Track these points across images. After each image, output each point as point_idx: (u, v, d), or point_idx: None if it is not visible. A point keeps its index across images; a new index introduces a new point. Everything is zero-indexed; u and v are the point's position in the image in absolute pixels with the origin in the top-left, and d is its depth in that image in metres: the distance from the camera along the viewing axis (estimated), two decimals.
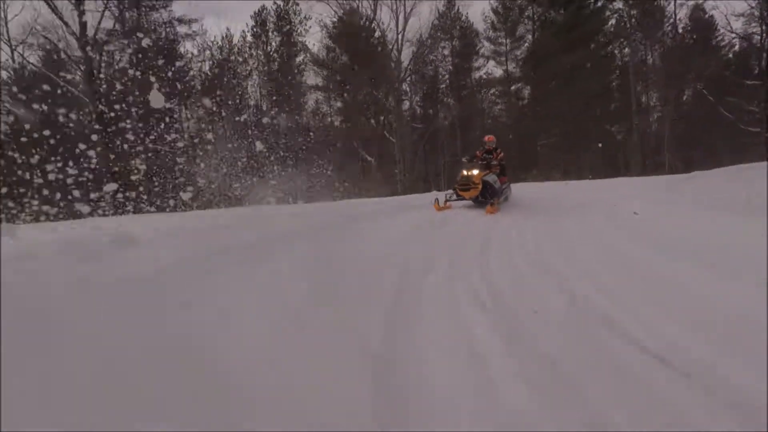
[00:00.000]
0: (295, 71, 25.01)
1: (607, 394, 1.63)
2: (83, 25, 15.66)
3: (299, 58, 25.79)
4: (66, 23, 15.58)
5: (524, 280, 3.23)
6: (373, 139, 23.68)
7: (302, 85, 24.99)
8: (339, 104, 25.79)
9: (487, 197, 8.02)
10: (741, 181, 5.59)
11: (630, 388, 1.67)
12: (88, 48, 15.25)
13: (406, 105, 25.84)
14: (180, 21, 17.91)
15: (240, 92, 23.63)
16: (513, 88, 26.59)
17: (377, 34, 24.24)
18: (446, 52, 26.60)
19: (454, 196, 8.51)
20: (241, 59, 25.65)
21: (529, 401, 1.61)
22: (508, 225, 6.14)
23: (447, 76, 27.08)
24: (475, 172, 8.22)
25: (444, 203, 8.53)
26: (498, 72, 26.84)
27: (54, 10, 15.49)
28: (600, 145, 22.47)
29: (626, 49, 24.72)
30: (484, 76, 27.03)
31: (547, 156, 24.25)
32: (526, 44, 25.44)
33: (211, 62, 24.40)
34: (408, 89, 25.99)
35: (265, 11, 25.80)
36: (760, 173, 5.36)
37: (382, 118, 24.45)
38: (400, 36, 23.11)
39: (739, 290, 2.46)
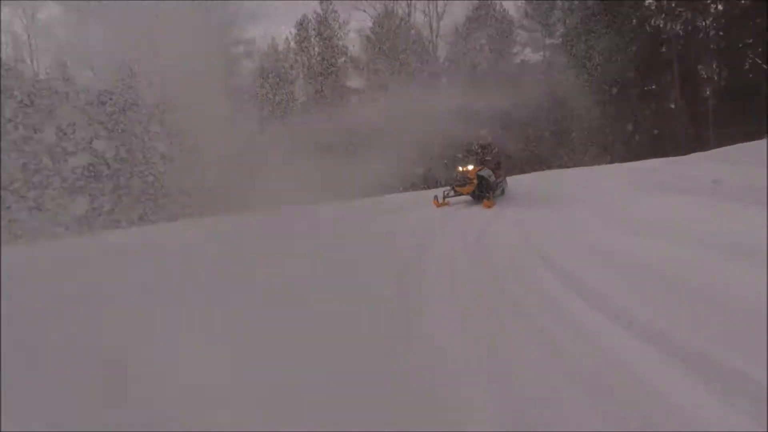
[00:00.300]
0: (337, 74, 26.69)
1: (509, 273, 3.26)
2: None
3: (341, 60, 27.47)
4: None
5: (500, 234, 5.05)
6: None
7: (343, 88, 26.59)
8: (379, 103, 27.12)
9: (483, 192, 8.16)
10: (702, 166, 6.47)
11: (529, 278, 3.20)
12: None
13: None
14: (238, 42, 19.96)
15: (287, 95, 25.65)
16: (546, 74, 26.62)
17: (413, 32, 25.33)
18: (483, 41, 27.11)
19: (452, 193, 8.63)
20: (288, 65, 27.77)
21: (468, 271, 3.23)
22: (499, 212, 7.37)
23: (485, 65, 27.56)
24: (471, 167, 8.30)
25: (442, 200, 8.65)
26: (536, 58, 26.98)
27: None
28: (630, 127, 22.19)
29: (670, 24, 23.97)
30: (520, 63, 27.25)
31: (583, 139, 24.17)
32: (561, 30, 25.39)
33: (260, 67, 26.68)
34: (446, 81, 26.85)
35: (306, 20, 27.74)
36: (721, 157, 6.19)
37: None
38: (434, 34, 24.02)
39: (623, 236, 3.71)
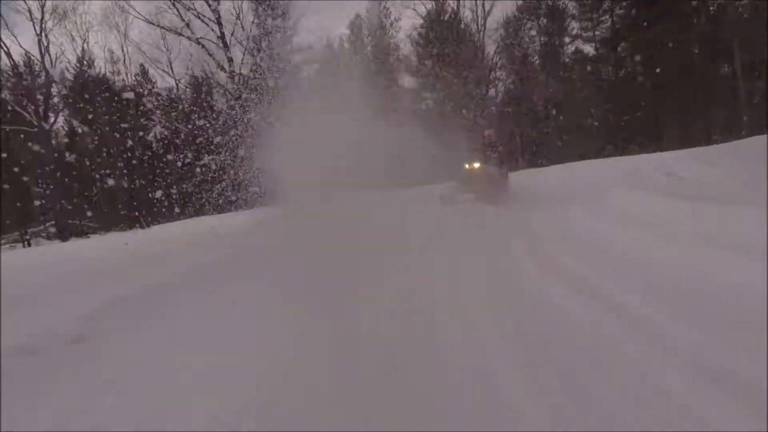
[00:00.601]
0: (391, 71, 27.84)
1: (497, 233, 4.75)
2: (230, 60, 20.31)
3: (393, 58, 28.58)
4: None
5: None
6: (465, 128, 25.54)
7: (397, 86, 27.69)
8: (429, 100, 28.01)
9: (491, 189, 8.13)
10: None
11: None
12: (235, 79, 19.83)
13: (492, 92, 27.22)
14: (299, 50, 21.68)
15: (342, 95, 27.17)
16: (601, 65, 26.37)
17: (462, 25, 25.96)
18: (533, 32, 27.23)
19: (460, 191, 8.46)
20: (342, 64, 29.30)
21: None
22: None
23: (536, 58, 27.66)
24: (477, 165, 8.30)
25: (449, 197, 8.39)
26: (587, 49, 26.79)
27: (209, 52, 20.34)
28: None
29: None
30: (571, 55, 27.13)
31: (631, 130, 23.86)
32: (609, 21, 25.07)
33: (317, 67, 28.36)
34: (497, 75, 27.32)
35: (359, 19, 29.09)
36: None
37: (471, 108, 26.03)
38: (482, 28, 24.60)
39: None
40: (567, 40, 27.09)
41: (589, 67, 26.73)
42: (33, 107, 19.93)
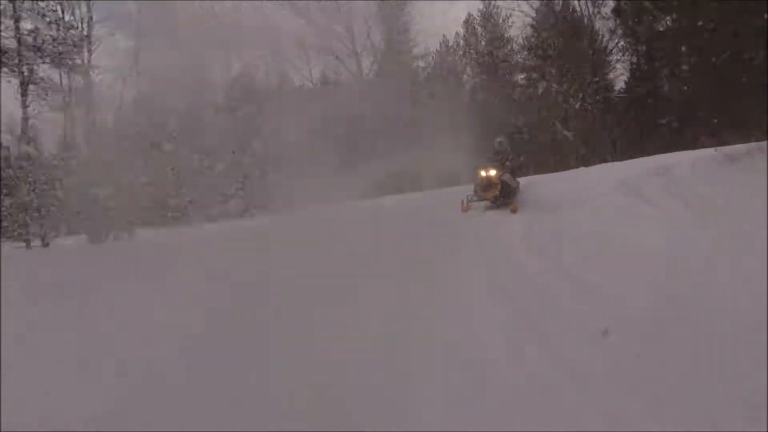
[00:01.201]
0: (504, 62, 29.05)
1: None
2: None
3: (506, 50, 29.69)
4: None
5: None
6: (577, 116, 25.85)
7: (511, 77, 28.81)
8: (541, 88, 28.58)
9: (506, 196, 8.26)
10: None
11: None
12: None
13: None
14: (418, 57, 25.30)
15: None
16: None
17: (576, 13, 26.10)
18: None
19: (475, 198, 8.58)
20: (456, 57, 31.33)
21: None
22: None
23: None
24: (493, 172, 8.25)
25: (467, 204, 8.57)
26: None
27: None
28: None
29: None
30: None
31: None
32: None
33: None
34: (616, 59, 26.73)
35: (471, 17, 30.75)
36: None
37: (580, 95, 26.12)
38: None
39: None
40: None
41: None
42: None
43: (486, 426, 2.50)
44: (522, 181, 9.52)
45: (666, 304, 3.47)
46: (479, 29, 30.49)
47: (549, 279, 4.53)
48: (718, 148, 8.28)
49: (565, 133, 24.96)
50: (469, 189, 8.91)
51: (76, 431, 1.62)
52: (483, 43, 30.38)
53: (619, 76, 27.33)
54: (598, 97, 25.14)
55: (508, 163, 8.97)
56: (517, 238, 6.32)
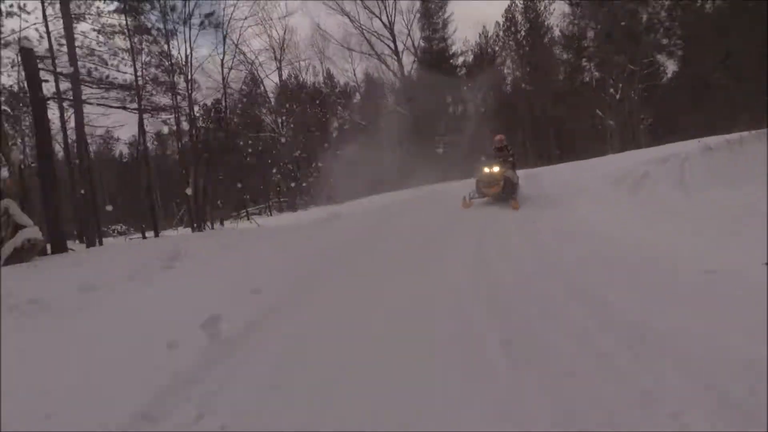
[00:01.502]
0: (545, 49, 28.95)
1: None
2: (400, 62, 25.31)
3: (546, 39, 29.56)
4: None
5: None
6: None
7: (553, 60, 28.66)
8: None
9: (508, 193, 8.21)
10: None
11: None
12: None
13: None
14: (453, 56, 25.90)
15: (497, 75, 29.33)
16: None
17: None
18: None
19: (477, 194, 8.58)
20: (497, 47, 31.45)
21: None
22: None
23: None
24: (496, 169, 8.28)
25: (468, 200, 8.56)
26: None
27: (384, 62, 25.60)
28: None
29: None
30: None
31: None
32: None
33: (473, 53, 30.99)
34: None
35: (513, 5, 30.66)
36: None
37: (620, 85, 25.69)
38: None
39: None
40: None
41: None
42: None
43: None
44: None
45: None
46: (519, 17, 30.43)
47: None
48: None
49: (610, 122, 24.97)
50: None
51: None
52: (522, 32, 30.37)
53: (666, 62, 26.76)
54: (640, 86, 24.86)
55: (510, 159, 8.97)
56: None
